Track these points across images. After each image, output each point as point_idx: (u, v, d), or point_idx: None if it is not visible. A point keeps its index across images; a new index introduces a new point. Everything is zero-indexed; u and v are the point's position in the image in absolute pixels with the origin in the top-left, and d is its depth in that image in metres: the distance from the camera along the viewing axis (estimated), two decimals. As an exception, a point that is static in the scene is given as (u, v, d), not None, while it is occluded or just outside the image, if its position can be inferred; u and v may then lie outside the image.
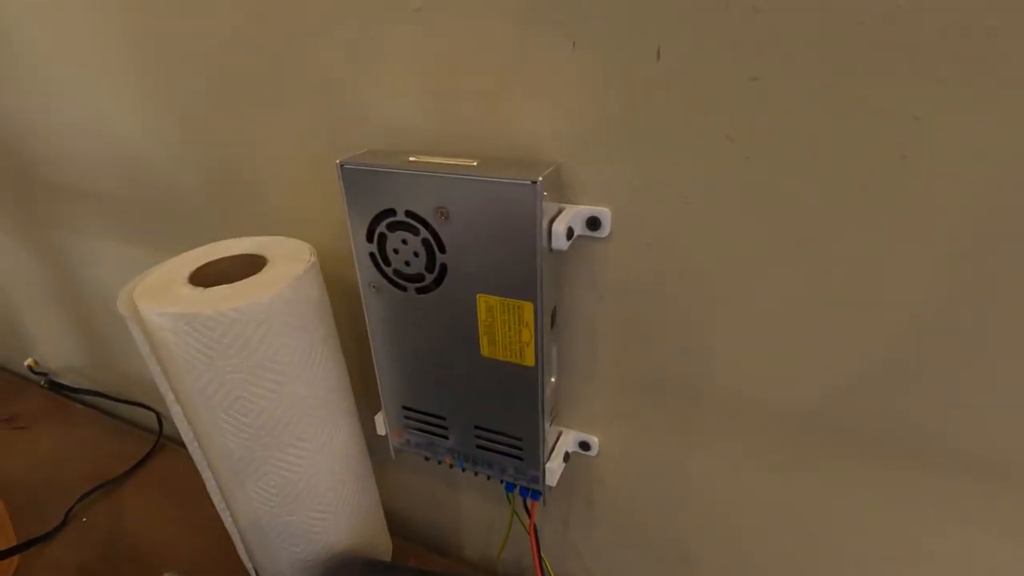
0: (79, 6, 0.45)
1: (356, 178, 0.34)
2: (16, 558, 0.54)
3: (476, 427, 0.40)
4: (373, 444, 0.49)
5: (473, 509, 0.54)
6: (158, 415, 0.70)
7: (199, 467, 0.40)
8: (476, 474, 0.42)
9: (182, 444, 0.67)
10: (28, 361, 0.80)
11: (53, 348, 0.78)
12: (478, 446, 0.41)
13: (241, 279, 0.36)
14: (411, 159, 0.34)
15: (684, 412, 0.38)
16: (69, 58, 0.48)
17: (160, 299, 0.35)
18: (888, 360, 0.31)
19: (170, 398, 0.37)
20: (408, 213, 0.34)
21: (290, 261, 0.38)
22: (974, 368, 0.29)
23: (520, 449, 0.39)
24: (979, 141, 0.25)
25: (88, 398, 0.76)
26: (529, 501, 0.43)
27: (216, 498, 0.42)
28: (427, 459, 0.44)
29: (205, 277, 0.39)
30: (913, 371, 0.30)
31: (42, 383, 0.79)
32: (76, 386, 0.77)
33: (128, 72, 0.46)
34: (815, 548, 0.38)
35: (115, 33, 0.44)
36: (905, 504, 0.34)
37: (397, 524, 0.58)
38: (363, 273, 0.38)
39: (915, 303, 0.29)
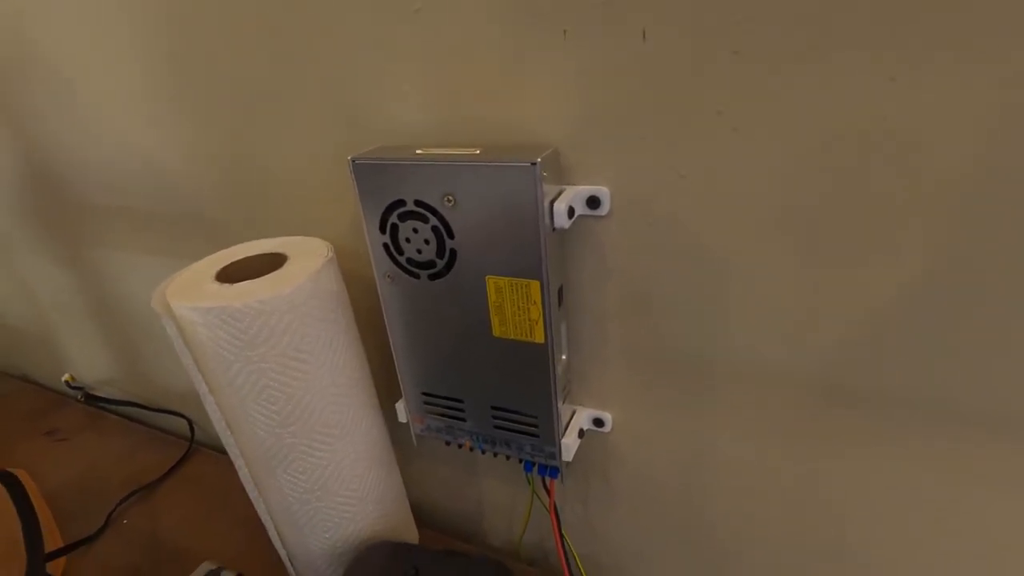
0: (113, 35, 0.48)
1: (367, 172, 0.36)
2: (64, 559, 0.56)
3: (492, 407, 0.42)
4: (396, 435, 0.50)
5: (495, 495, 0.55)
6: (190, 422, 0.73)
7: (232, 457, 0.42)
8: (495, 455, 0.44)
9: (213, 449, 0.70)
10: (65, 376, 0.83)
11: (88, 363, 0.81)
12: (495, 426, 0.42)
13: (264, 275, 0.39)
14: (418, 151, 0.36)
15: (695, 385, 0.39)
16: (99, 81, 0.51)
17: (191, 296, 0.37)
18: (899, 320, 0.31)
19: (203, 389, 0.39)
20: (417, 202, 0.36)
21: (309, 257, 0.40)
22: (985, 325, 0.30)
23: (536, 427, 0.41)
24: (957, 100, 0.26)
25: (123, 408, 0.80)
26: (548, 480, 0.44)
27: (249, 487, 0.44)
28: (448, 443, 0.46)
29: (231, 275, 0.41)
30: (926, 328, 0.31)
31: (79, 397, 0.83)
32: (111, 397, 0.81)
33: (153, 90, 0.49)
34: (834, 517, 0.39)
35: (139, 53, 0.47)
36: (925, 471, 0.35)
37: (422, 514, 0.60)
38: (378, 264, 0.40)
39: (920, 258, 0.30)
